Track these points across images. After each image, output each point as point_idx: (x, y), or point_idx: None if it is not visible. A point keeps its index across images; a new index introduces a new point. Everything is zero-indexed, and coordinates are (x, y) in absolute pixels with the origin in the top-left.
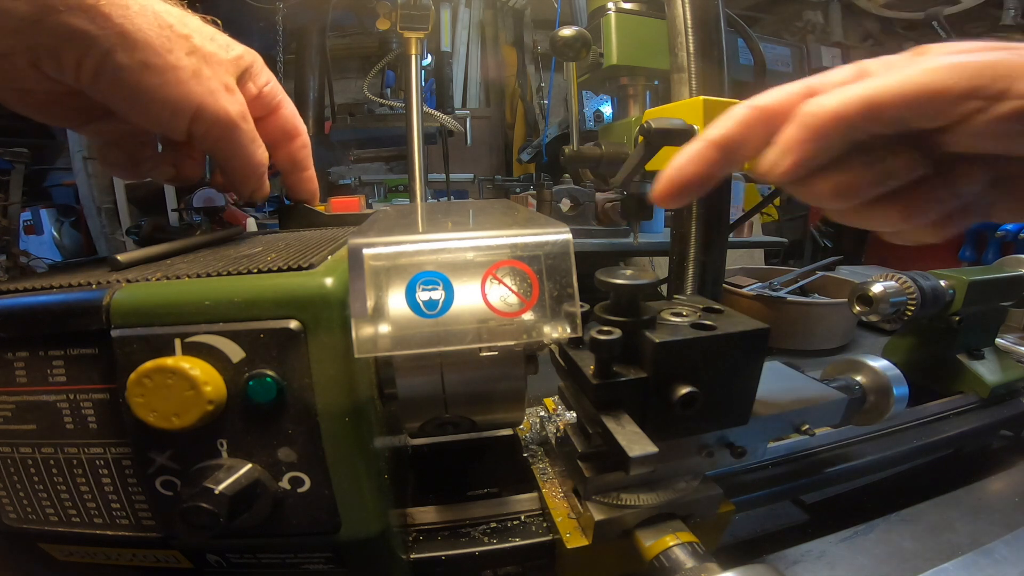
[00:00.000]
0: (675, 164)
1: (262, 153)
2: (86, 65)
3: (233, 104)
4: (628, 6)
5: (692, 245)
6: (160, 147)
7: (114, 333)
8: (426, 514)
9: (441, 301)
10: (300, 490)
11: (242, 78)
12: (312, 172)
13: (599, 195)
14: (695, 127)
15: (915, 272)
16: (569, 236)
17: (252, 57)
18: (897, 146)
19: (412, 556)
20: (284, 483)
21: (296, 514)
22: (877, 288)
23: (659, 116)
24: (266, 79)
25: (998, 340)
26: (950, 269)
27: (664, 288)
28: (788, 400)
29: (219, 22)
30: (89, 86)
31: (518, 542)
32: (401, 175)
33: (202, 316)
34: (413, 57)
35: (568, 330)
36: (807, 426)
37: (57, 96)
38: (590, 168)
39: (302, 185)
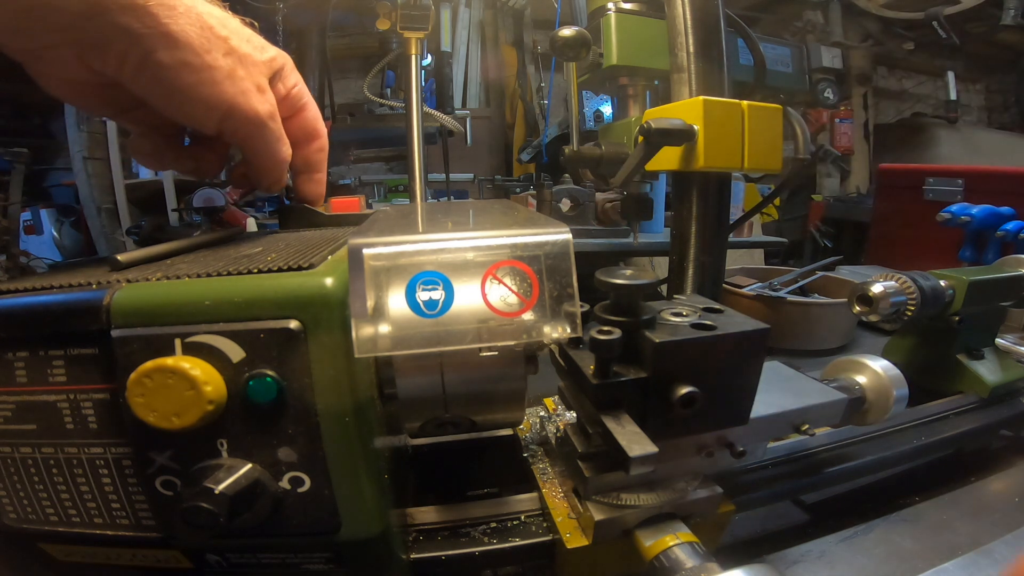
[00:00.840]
0: None
1: (286, 150)
2: (129, 61)
3: (263, 104)
4: (628, 6)
5: (692, 245)
6: (188, 141)
7: (114, 333)
8: (426, 514)
9: (441, 301)
10: (300, 490)
11: (273, 79)
12: (323, 176)
13: (599, 195)
14: (695, 127)
15: (915, 272)
16: (569, 236)
17: (284, 59)
18: None
19: (412, 556)
20: (284, 483)
21: (296, 514)
22: (877, 288)
23: (659, 116)
24: (294, 81)
25: (998, 340)
26: (950, 269)
27: (664, 288)
28: (788, 400)
29: (256, 24)
30: (129, 80)
31: (518, 542)
32: (401, 175)
33: (202, 316)
34: (413, 57)
35: (568, 330)
36: (807, 426)
37: (97, 87)
38: (590, 168)
39: (309, 187)
